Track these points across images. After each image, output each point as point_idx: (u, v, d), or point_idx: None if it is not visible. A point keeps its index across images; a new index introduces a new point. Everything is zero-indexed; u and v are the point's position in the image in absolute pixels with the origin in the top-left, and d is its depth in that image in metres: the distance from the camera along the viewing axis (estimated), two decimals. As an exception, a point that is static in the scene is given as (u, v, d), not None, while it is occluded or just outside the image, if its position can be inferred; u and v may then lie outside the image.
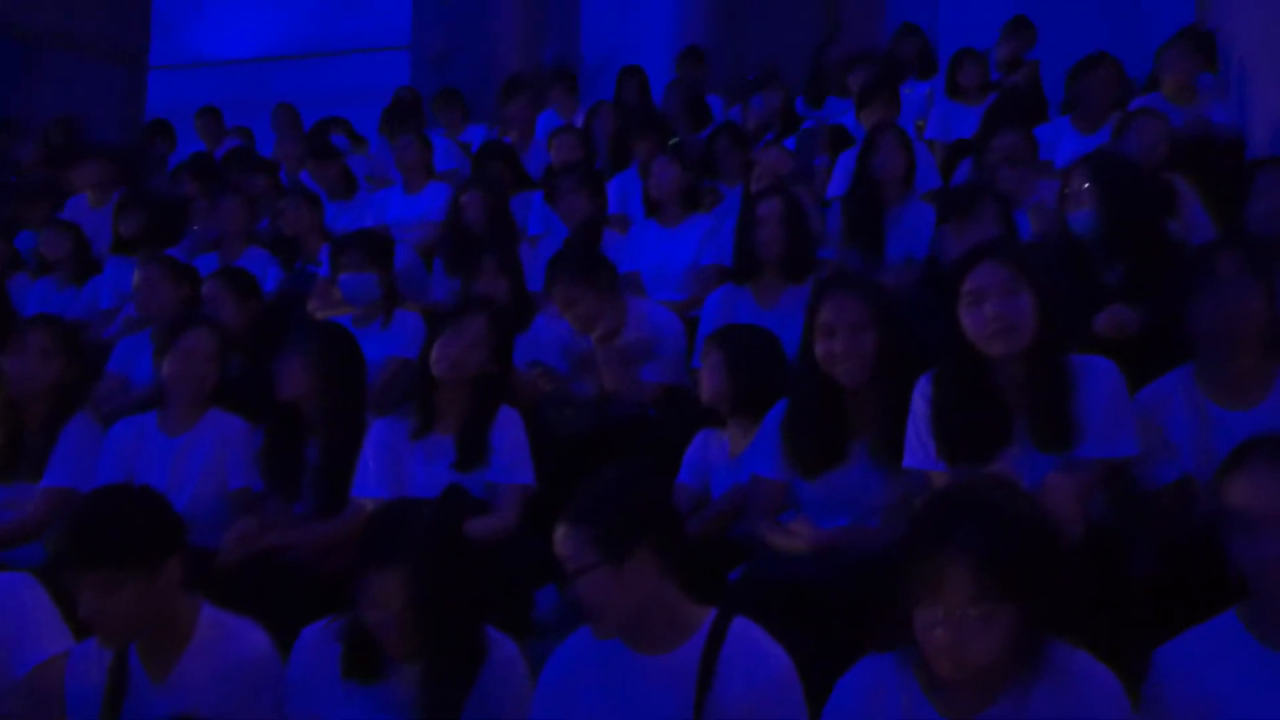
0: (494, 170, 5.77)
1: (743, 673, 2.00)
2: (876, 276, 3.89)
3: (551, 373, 3.83)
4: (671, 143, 5.72)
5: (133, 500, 2.32)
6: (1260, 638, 1.85)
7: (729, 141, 5.70)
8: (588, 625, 2.08)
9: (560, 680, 2.14)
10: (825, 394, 2.68)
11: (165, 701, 2.28)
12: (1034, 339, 2.42)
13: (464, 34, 10.15)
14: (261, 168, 6.58)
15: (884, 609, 1.80)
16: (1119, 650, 1.97)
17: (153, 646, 2.31)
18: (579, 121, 6.89)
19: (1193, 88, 5.33)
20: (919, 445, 2.53)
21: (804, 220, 3.99)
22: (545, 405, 3.62)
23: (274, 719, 2.28)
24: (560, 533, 2.05)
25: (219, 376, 3.43)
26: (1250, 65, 5.18)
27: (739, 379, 3.10)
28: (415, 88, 8.45)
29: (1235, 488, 1.86)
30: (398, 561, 2.14)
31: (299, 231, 5.35)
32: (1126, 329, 3.06)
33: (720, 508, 3.03)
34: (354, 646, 2.23)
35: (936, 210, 4.21)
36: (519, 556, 2.89)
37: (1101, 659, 1.83)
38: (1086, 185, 3.39)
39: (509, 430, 3.16)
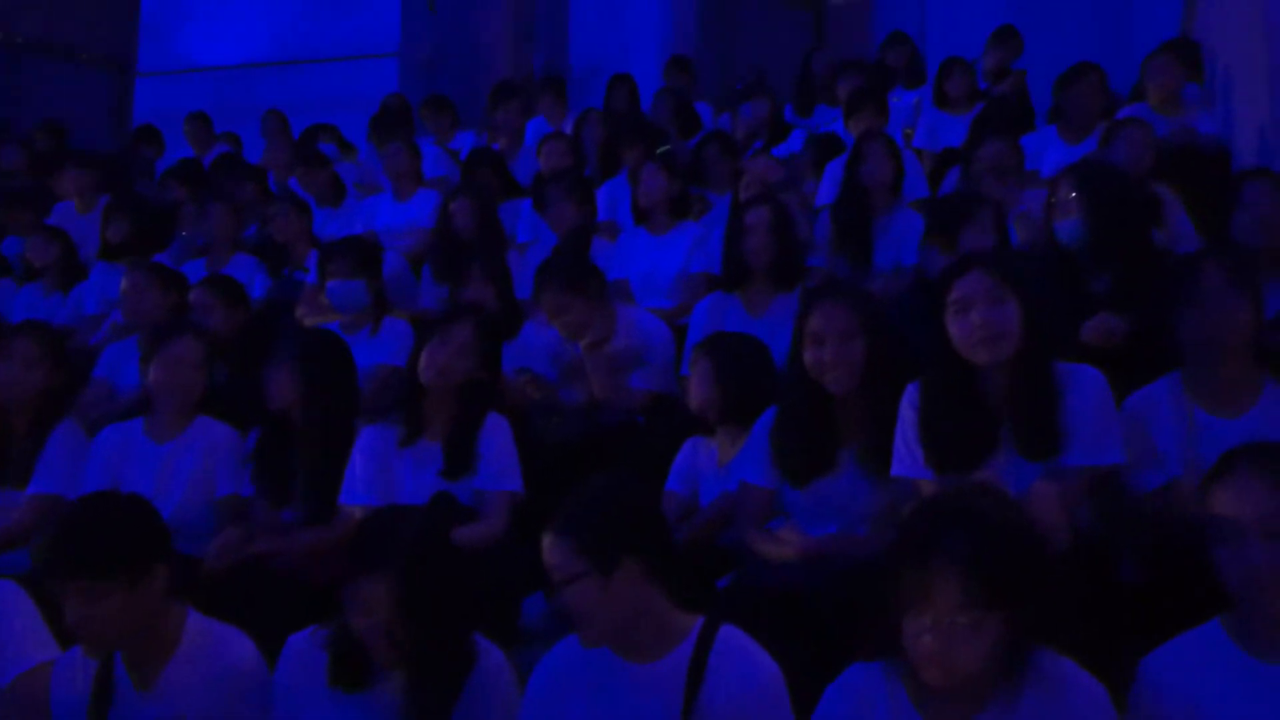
0: (483, 177, 5.77)
1: (730, 681, 2.00)
2: (865, 284, 3.91)
3: (540, 380, 3.83)
4: (660, 150, 5.72)
5: (119, 508, 2.32)
6: (1245, 647, 1.86)
7: (718, 149, 5.72)
8: (574, 634, 2.08)
9: (548, 688, 2.14)
10: (814, 402, 2.69)
11: (151, 710, 2.27)
12: (1020, 347, 2.43)
13: (453, 41, 10.16)
14: (250, 174, 6.57)
15: (872, 617, 1.80)
16: (1106, 658, 1.98)
17: (138, 654, 2.30)
18: (568, 129, 6.90)
19: (1178, 98, 5.37)
20: (907, 453, 2.53)
21: (792, 228, 4.00)
22: (534, 412, 3.62)
23: (260, 728, 2.27)
24: (547, 542, 2.04)
25: (206, 384, 3.42)
26: (1235, 76, 5.22)
27: (727, 387, 3.10)
28: (404, 95, 8.44)
29: (1221, 496, 1.87)
30: (385, 569, 2.14)
31: (288, 238, 5.34)
32: (1113, 337, 3.08)
33: (709, 515, 3.03)
34: (341, 654, 2.22)
35: (925, 218, 4.23)
36: (507, 564, 2.88)
37: (1088, 667, 1.83)
38: (1073, 194, 3.40)
39: (497, 438, 3.15)
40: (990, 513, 1.80)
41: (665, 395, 3.79)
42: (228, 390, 3.68)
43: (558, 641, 2.20)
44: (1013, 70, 6.71)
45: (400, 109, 7.95)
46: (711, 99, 7.92)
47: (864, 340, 2.64)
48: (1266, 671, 1.83)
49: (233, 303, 4.35)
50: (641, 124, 6.37)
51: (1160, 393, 2.68)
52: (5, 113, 10.50)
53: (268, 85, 9.46)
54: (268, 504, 3.27)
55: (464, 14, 10.32)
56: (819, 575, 2.41)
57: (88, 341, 5.01)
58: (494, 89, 7.33)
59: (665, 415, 3.63)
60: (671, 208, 4.86)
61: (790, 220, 3.99)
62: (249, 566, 2.98)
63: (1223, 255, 2.76)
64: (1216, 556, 1.85)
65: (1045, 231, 3.55)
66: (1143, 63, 5.55)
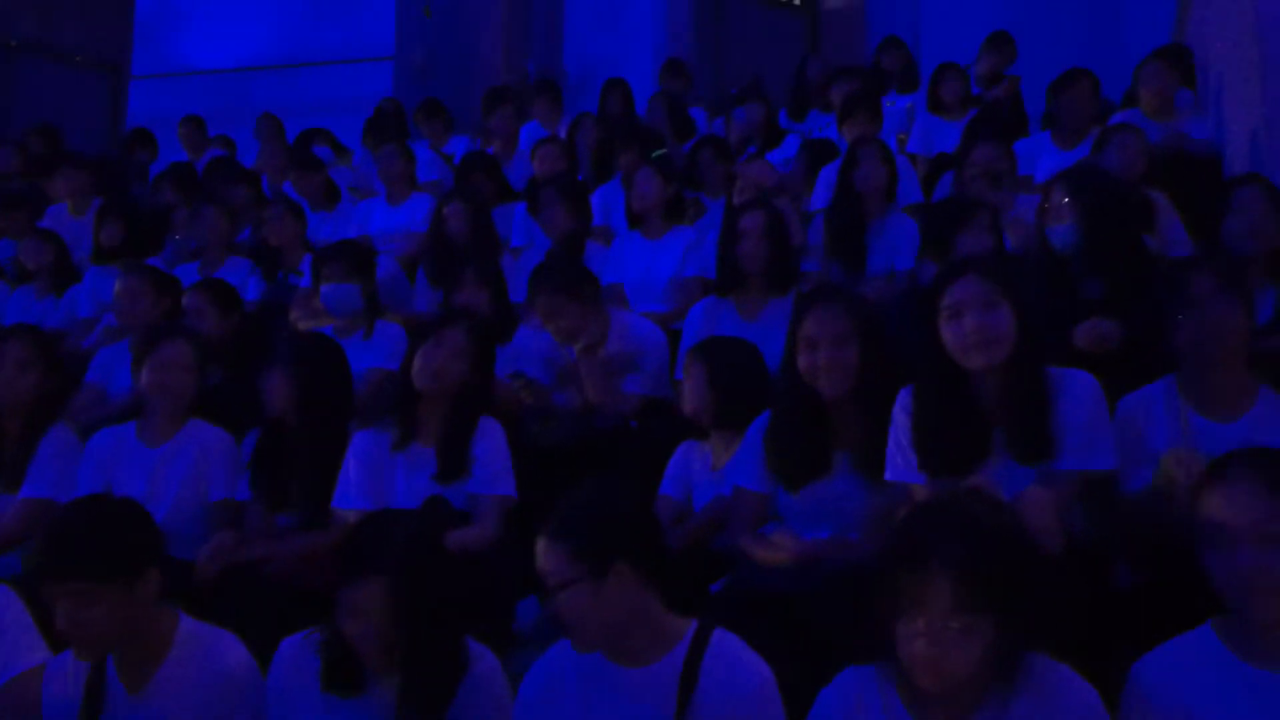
0: (476, 182, 5.76)
1: (723, 685, 2.00)
2: (859, 289, 3.92)
3: (534, 384, 3.82)
4: (654, 155, 5.72)
5: (111, 511, 2.31)
6: (1236, 651, 1.86)
7: (712, 154, 5.72)
8: (568, 638, 2.08)
9: (540, 692, 2.14)
10: (808, 406, 2.69)
11: (143, 714, 2.27)
12: (1013, 352, 2.43)
13: (447, 45, 10.16)
14: (243, 178, 6.57)
15: (865, 621, 1.80)
16: (1098, 662, 1.98)
17: (130, 658, 2.30)
18: (563, 133, 6.90)
19: (1170, 104, 5.39)
20: (900, 457, 2.54)
21: (786, 233, 4.00)
22: (527, 417, 3.61)
23: (253, 731, 2.27)
24: (541, 547, 2.04)
25: (198, 387, 3.42)
26: (1226, 82, 5.23)
27: (720, 392, 3.10)
28: (398, 99, 8.45)
29: (1212, 501, 1.87)
30: (378, 573, 2.14)
31: (282, 242, 5.34)
32: (1105, 342, 3.09)
33: (702, 519, 3.03)
34: (334, 659, 2.22)
35: (919, 223, 4.24)
36: (500, 568, 2.88)
37: (1080, 671, 1.84)
38: (1066, 200, 3.41)
39: (490, 441, 3.15)
40: (983, 517, 1.80)
41: (659, 399, 3.79)
42: (221, 394, 3.67)
43: (551, 646, 2.20)
44: (1006, 76, 6.73)
45: (395, 113, 7.96)
46: (706, 103, 7.93)
47: (858, 344, 2.64)
48: (1258, 676, 1.83)
49: (226, 306, 4.35)
50: (635, 128, 6.38)
51: (1155, 395, 2.69)
52: (-1, 115, 10.50)
53: (262, 89, 9.46)
54: (265, 508, 3.27)
55: (459, 18, 10.33)
56: (812, 580, 2.41)
57: (80, 345, 5.01)
58: (488, 93, 7.33)
59: (659, 419, 3.63)
60: (666, 212, 4.87)
61: (784, 225, 4.00)
62: (242, 571, 2.97)
63: (1214, 261, 2.77)
64: (1208, 561, 1.86)
65: (1038, 236, 3.56)
66: (1135, 69, 5.57)
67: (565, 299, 3.77)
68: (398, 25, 9.81)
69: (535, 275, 3.91)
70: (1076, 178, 3.52)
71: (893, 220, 4.55)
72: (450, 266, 4.44)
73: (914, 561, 1.73)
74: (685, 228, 4.93)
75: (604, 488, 2.20)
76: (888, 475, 2.56)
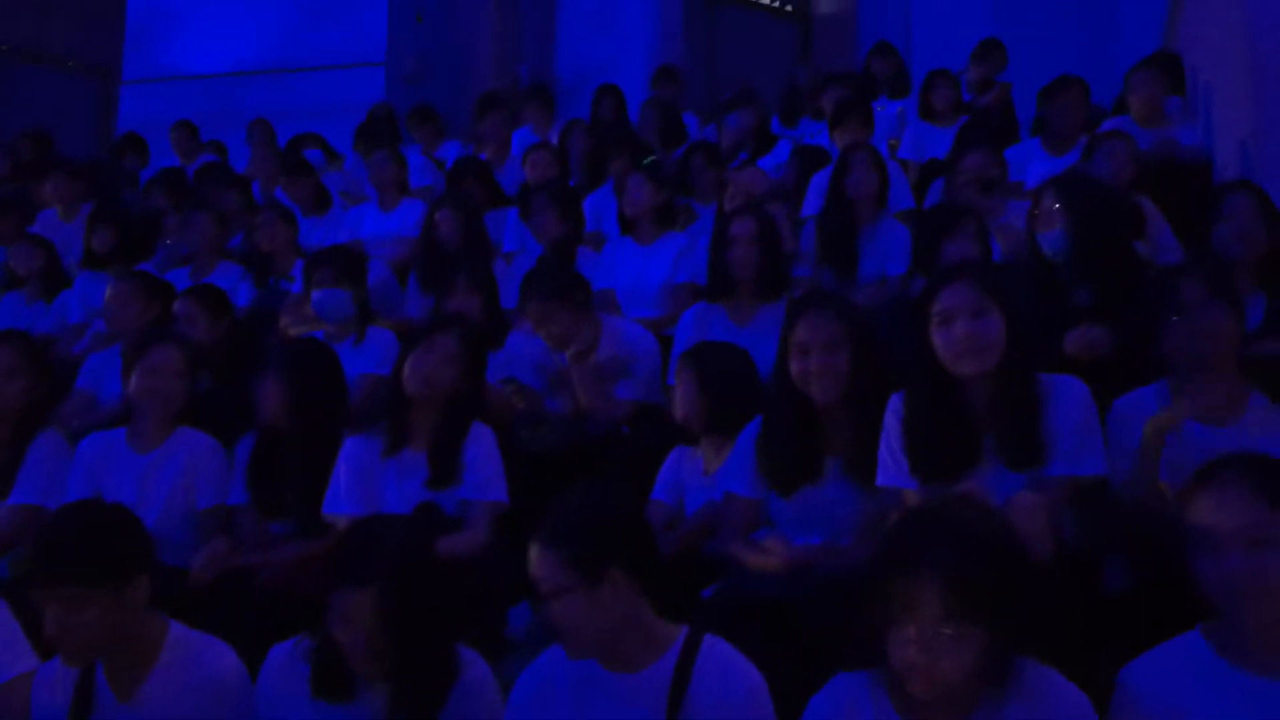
0: (468, 187, 5.76)
1: (714, 691, 2.00)
2: (850, 295, 3.92)
3: (525, 390, 3.82)
4: (646, 161, 5.73)
5: (101, 517, 2.30)
6: (1226, 656, 1.86)
7: (704, 160, 5.73)
8: (560, 645, 2.07)
9: (532, 699, 2.14)
10: (799, 412, 2.69)
11: (132, 721, 2.26)
12: (1003, 358, 2.44)
13: (439, 50, 10.17)
14: (234, 183, 6.55)
15: (857, 627, 1.80)
16: (1088, 668, 1.99)
17: (119, 665, 2.29)
18: (555, 138, 6.90)
19: (1160, 111, 5.41)
20: (892, 463, 2.54)
21: (778, 239, 4.01)
22: (519, 422, 3.61)
23: (242, 739, 2.26)
24: (534, 554, 2.03)
25: (188, 393, 3.40)
26: (1216, 89, 5.26)
27: (712, 398, 3.11)
28: (390, 104, 8.44)
29: (1201, 506, 1.87)
30: (369, 579, 2.13)
31: (273, 247, 5.33)
32: (1096, 348, 3.09)
33: (694, 525, 3.03)
34: (324, 665, 2.21)
35: (911, 229, 4.25)
36: (491, 574, 2.88)
37: (1071, 677, 1.84)
38: (1056, 206, 3.42)
39: (482, 447, 3.15)
40: (974, 523, 1.81)
41: (651, 405, 3.79)
42: (211, 400, 3.66)
43: (542, 652, 2.19)
44: (997, 82, 6.76)
45: (386, 118, 7.95)
46: (698, 110, 7.94)
47: (849, 350, 2.65)
48: (1247, 682, 1.83)
49: (216, 312, 4.33)
50: (627, 134, 6.39)
51: (1149, 397, 2.71)
52: (-11, 119, 10.46)
53: (254, 94, 9.45)
54: (260, 515, 3.26)
55: (451, 24, 10.34)
56: (804, 585, 2.41)
57: (70, 350, 4.99)
58: (480, 99, 7.33)
59: (651, 425, 3.63)
60: (657, 218, 4.87)
61: (775, 231, 4.00)
62: (235, 578, 2.96)
63: (1204, 267, 2.78)
64: (1197, 565, 1.86)
65: (1028, 243, 3.56)
66: (1125, 76, 5.59)
67: (557, 305, 3.77)
68: (390, 30, 9.81)
69: (527, 281, 3.91)
70: (1067, 184, 3.53)
71: (884, 226, 4.56)
72: (442, 272, 4.43)
73: (905, 568, 1.73)
74: (677, 234, 4.93)
75: (597, 493, 2.19)
76: (879, 481, 2.56)
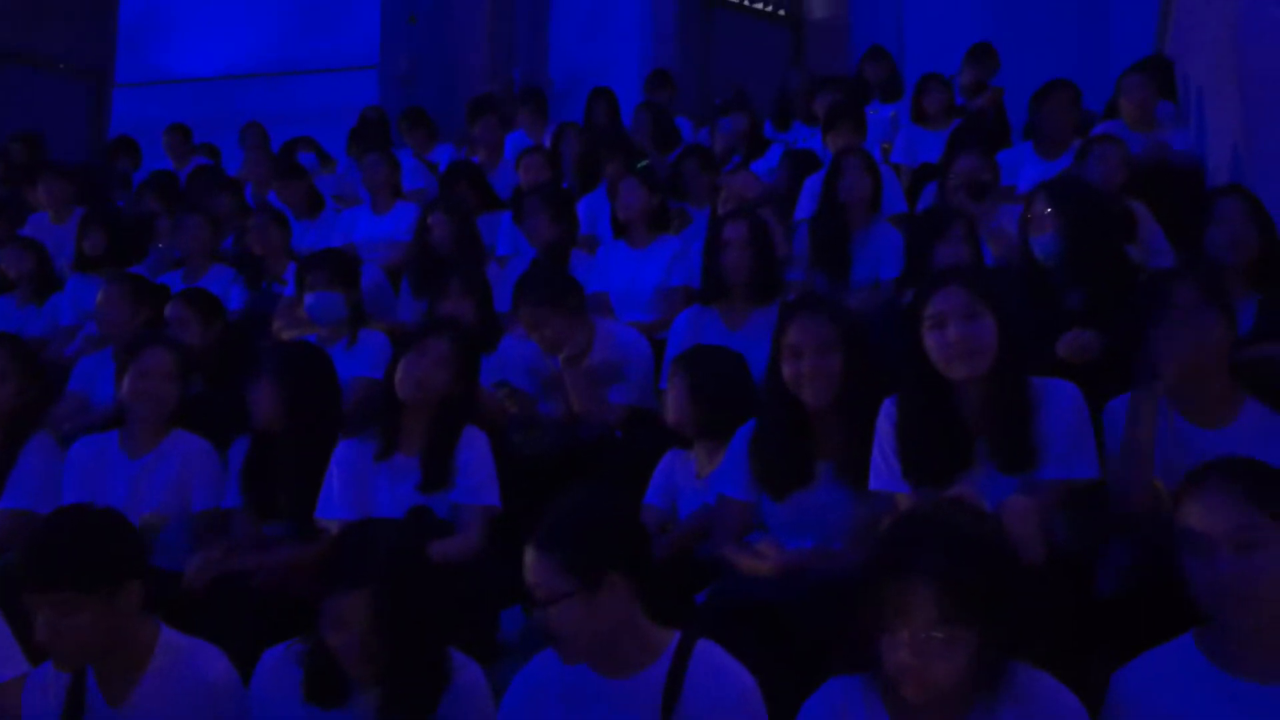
0: (461, 191, 5.76)
1: (707, 695, 2.00)
2: (843, 298, 3.92)
3: (518, 394, 3.82)
4: (639, 165, 5.73)
5: (93, 521, 2.29)
6: (1217, 661, 1.87)
7: (697, 164, 5.73)
8: (553, 649, 2.07)
9: (524, 703, 2.13)
10: (792, 415, 2.70)
11: (123, 725, 2.25)
12: (995, 362, 2.44)
13: (432, 54, 10.16)
14: (227, 186, 6.55)
15: (849, 631, 1.80)
16: (1080, 672, 1.99)
17: (110, 669, 2.28)
18: (548, 142, 6.90)
19: (1152, 115, 5.43)
20: (884, 467, 2.54)
21: (770, 243, 4.01)
22: (512, 426, 3.61)
23: (234, 743, 2.25)
24: (530, 559, 2.02)
25: (180, 396, 3.40)
26: (1207, 94, 5.28)
27: (704, 402, 3.11)
28: (383, 107, 8.44)
29: (1191, 510, 1.88)
30: (361, 583, 2.13)
31: (266, 251, 5.32)
32: (1087, 352, 3.10)
33: (687, 529, 3.03)
34: (316, 670, 2.20)
35: (903, 234, 4.25)
36: (484, 578, 2.87)
37: (1063, 680, 1.84)
38: (1048, 210, 3.43)
39: (474, 451, 3.14)
40: (966, 527, 1.81)
41: (644, 409, 3.79)
42: (203, 404, 3.65)
43: (534, 656, 2.19)
44: (990, 86, 6.77)
45: (379, 121, 7.95)
46: (691, 114, 7.95)
47: (842, 354, 2.65)
48: (1237, 686, 1.84)
49: (209, 316, 4.32)
50: (620, 138, 6.39)
51: None
52: (-19, 122, 10.42)
53: (246, 97, 9.44)
54: (255, 518, 3.25)
55: (443, 27, 10.33)
56: (796, 589, 2.41)
57: (62, 353, 4.98)
58: (473, 102, 7.33)
59: (644, 429, 3.63)
60: (650, 221, 4.87)
61: (768, 235, 4.00)
62: (229, 582, 2.95)
63: (1196, 271, 2.79)
64: (1187, 569, 1.87)
65: (1020, 247, 3.57)
66: (1117, 80, 5.61)
67: (550, 309, 3.76)
68: (383, 34, 9.81)
69: (520, 285, 3.91)
70: (1058, 188, 3.54)
71: (877, 230, 4.57)
72: (435, 276, 4.43)
73: (897, 572, 1.73)
74: (670, 237, 4.93)
75: (593, 496, 2.19)
76: (872, 485, 2.57)
